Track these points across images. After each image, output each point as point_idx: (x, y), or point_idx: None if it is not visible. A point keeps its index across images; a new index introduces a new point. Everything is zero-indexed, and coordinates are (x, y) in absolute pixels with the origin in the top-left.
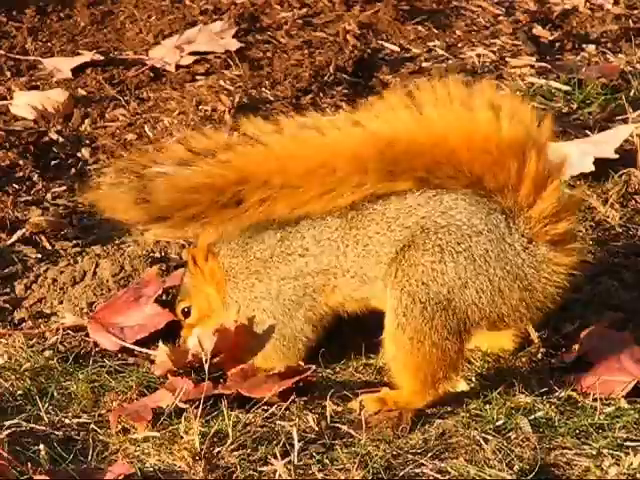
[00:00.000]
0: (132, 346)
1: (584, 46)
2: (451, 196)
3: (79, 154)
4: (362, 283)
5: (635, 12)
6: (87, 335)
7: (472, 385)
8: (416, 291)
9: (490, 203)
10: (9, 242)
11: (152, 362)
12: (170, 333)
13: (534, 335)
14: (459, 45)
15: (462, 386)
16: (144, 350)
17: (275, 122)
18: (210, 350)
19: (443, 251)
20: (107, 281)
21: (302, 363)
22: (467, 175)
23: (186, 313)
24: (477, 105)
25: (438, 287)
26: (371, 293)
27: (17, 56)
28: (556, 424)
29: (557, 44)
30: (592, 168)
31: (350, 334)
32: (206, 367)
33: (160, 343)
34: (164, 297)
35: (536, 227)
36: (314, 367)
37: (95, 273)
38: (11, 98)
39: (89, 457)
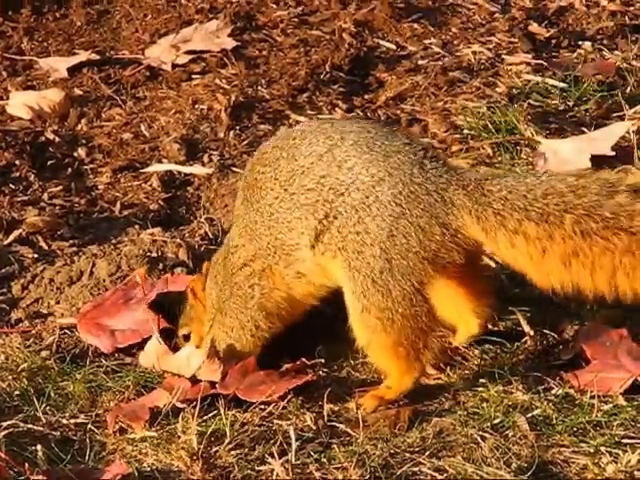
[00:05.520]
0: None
1: (580, 43)
2: (341, 149)
3: (75, 154)
4: (286, 255)
5: (631, 9)
6: None
7: (469, 383)
8: (360, 265)
9: (388, 146)
10: (6, 242)
11: None
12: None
13: (526, 327)
14: (455, 42)
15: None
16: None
17: None
18: (195, 369)
19: (357, 211)
20: (104, 281)
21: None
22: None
23: (186, 337)
24: None
25: (370, 249)
26: (302, 266)
27: (13, 56)
28: (554, 422)
29: (553, 41)
30: (589, 165)
31: (346, 333)
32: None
33: (155, 335)
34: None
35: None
36: (315, 368)
37: (92, 273)
38: (7, 98)
39: (86, 457)
